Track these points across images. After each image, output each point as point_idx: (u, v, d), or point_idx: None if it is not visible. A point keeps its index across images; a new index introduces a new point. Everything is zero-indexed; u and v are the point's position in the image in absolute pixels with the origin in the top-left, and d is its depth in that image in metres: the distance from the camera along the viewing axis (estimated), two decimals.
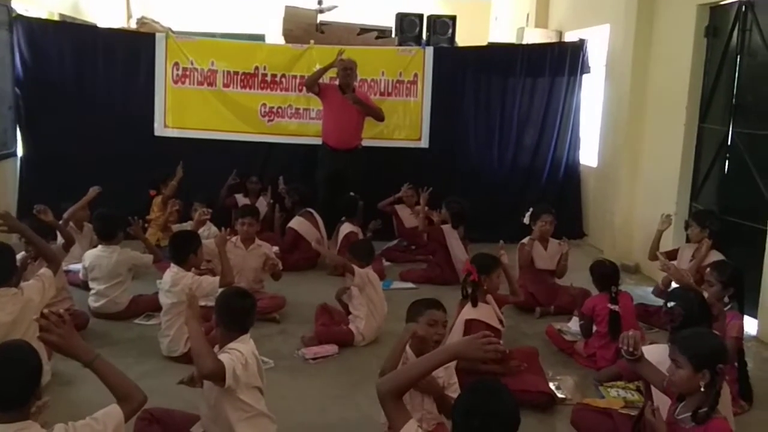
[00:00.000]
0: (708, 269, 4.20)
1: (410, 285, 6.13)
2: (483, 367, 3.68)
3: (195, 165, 7.02)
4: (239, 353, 2.93)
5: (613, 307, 4.42)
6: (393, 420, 2.34)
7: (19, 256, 4.13)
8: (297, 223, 6.65)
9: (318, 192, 7.15)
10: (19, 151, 7.38)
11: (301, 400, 3.86)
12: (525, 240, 5.58)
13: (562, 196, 7.95)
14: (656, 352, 3.10)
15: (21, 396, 2.21)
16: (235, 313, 3.08)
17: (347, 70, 7.01)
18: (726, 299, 3.93)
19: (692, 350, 2.66)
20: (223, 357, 2.86)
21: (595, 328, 4.53)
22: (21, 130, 7.33)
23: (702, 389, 2.64)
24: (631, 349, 2.87)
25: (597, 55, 7.92)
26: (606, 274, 4.60)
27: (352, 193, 6.83)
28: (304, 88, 7.31)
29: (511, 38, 9.99)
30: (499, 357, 2.38)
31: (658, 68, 6.69)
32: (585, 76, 7.97)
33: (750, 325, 5.01)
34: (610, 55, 7.54)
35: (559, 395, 3.95)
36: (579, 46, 7.92)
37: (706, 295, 3.73)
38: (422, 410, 3.10)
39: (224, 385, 2.84)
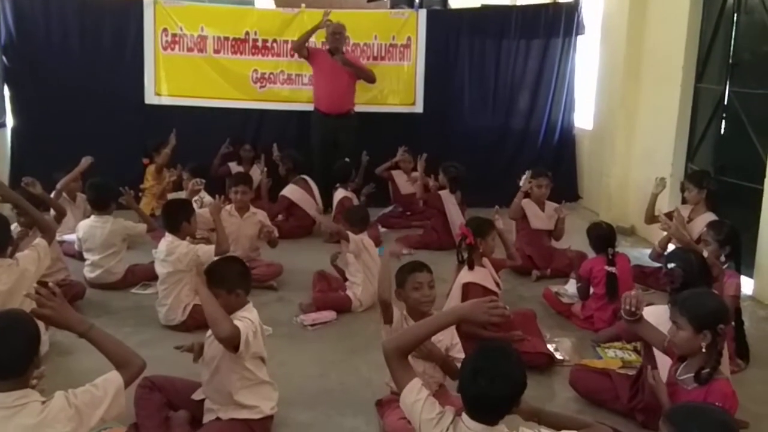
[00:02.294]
0: (705, 229, 4.20)
1: (405, 251, 6.10)
2: (484, 333, 3.69)
3: (187, 133, 6.96)
4: (250, 321, 2.93)
5: (610, 268, 4.43)
6: (398, 379, 2.36)
7: (13, 227, 4.09)
8: (290, 190, 6.62)
9: (312, 158, 7.10)
10: (9, 122, 7.28)
11: (300, 366, 3.87)
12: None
13: (558, 159, 7.93)
14: (655, 313, 3.11)
15: (20, 364, 2.20)
16: (234, 273, 3.07)
17: (336, 34, 6.93)
18: (723, 258, 3.94)
19: (693, 311, 2.67)
20: (238, 323, 2.85)
21: (592, 290, 4.55)
22: (10, 101, 7.23)
23: (703, 350, 2.65)
24: (632, 309, 2.87)
25: (592, 16, 7.81)
26: (602, 236, 4.60)
27: (347, 159, 6.80)
28: (295, 53, 7.23)
29: (504, 0, 9.86)
30: (504, 321, 2.38)
31: (654, 28, 6.61)
32: (580, 38, 7.89)
33: (746, 285, 5.03)
34: (606, 15, 7.44)
35: (558, 356, 3.98)
36: (574, 6, 7.82)
37: (705, 255, 3.73)
38: (423, 372, 3.11)
39: (237, 351, 2.84)
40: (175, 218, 4.40)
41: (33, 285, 3.36)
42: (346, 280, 4.89)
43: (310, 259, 5.53)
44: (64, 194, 5.70)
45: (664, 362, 2.95)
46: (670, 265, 3.37)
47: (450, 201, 6.22)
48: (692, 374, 2.67)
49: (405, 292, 3.16)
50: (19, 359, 2.19)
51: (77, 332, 2.34)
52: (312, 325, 4.46)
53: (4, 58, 7.12)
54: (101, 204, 5.11)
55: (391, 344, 2.39)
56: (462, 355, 3.16)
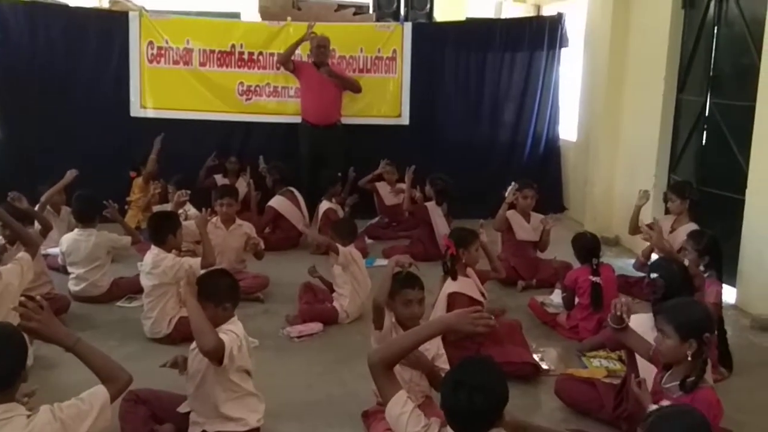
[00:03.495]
0: (685, 239, 4.25)
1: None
2: (469, 343, 3.71)
3: (173, 145, 6.92)
4: (235, 335, 2.94)
5: (594, 278, 4.46)
6: (383, 390, 2.37)
7: None
8: (277, 202, 6.63)
9: (300, 170, 7.12)
10: None
11: (287, 378, 3.87)
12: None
13: (543, 170, 7.97)
14: (638, 322, 3.14)
15: (6, 377, 2.18)
16: (224, 287, 3.08)
17: (321, 47, 6.99)
18: (702, 267, 3.98)
19: (678, 320, 2.69)
20: (223, 337, 2.86)
21: (577, 300, 4.58)
22: None
23: (689, 358, 2.67)
24: (622, 315, 2.88)
25: (575, 29, 7.91)
26: (587, 246, 4.64)
27: (339, 173, 6.84)
28: (281, 66, 7.26)
29: (489, 13, 9.96)
30: (489, 331, 2.40)
31: (636, 40, 6.70)
32: (563, 50, 7.97)
33: (729, 294, 5.08)
34: (589, 28, 7.53)
35: (543, 366, 4.00)
36: (557, 20, 7.90)
37: (687, 264, 3.77)
38: (409, 380, 3.11)
39: (221, 364, 2.84)
40: (161, 231, 4.39)
41: (17, 299, 3.33)
42: (332, 291, 4.90)
43: (296, 271, 5.51)
44: (48, 207, 5.66)
45: (647, 371, 2.97)
46: (653, 275, 3.41)
47: (436, 213, 6.24)
48: (677, 382, 2.68)
49: (394, 304, 3.17)
50: (5, 373, 2.17)
51: (64, 346, 2.32)
52: (298, 337, 4.46)
53: None
54: (86, 217, 5.09)
55: (376, 356, 2.39)
56: (447, 366, 3.17)
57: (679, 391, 2.67)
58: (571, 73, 8.04)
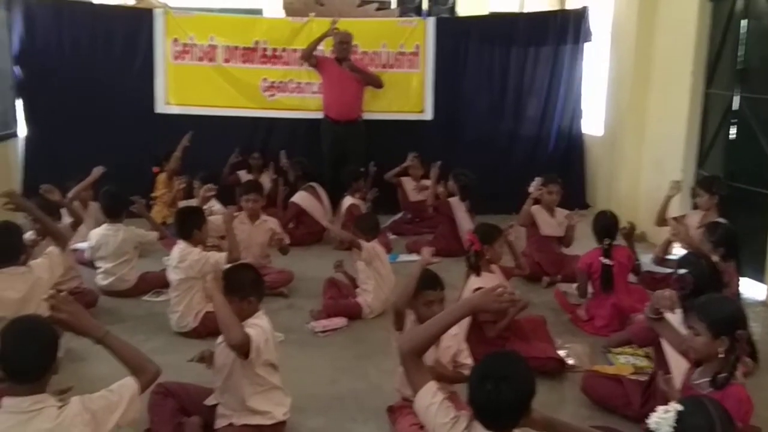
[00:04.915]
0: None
1: (416, 257, 6.11)
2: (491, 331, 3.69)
3: (196, 142, 6.97)
4: (261, 329, 2.96)
5: (605, 261, 4.43)
6: (413, 380, 2.37)
7: (26, 236, 4.13)
8: (300, 197, 6.65)
9: (323, 166, 7.14)
10: (22, 131, 7.35)
11: (311, 373, 3.88)
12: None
13: (566, 165, 7.88)
14: (668, 318, 3.10)
15: (38, 369, 2.21)
16: (248, 281, 3.11)
17: (343, 43, 7.01)
18: (717, 258, 3.92)
19: (710, 317, 2.65)
20: (249, 331, 2.88)
21: (591, 289, 4.55)
22: (23, 110, 7.30)
23: (721, 355, 2.63)
24: (663, 310, 2.85)
25: (600, 22, 7.82)
26: (602, 224, 4.64)
27: (362, 169, 6.84)
28: (304, 62, 7.28)
29: (512, 6, 9.89)
30: (514, 306, 2.40)
31: (662, 34, 6.61)
32: (587, 44, 7.89)
33: (758, 291, 5.02)
34: (615, 22, 7.44)
35: (569, 362, 3.97)
36: (581, 14, 7.82)
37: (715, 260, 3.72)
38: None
39: (247, 357, 2.87)
40: (187, 225, 4.43)
41: (47, 292, 3.37)
42: (356, 287, 4.91)
43: (320, 266, 5.54)
44: (75, 202, 5.73)
45: (677, 366, 2.94)
46: (681, 271, 3.36)
47: (459, 208, 6.22)
48: (708, 379, 2.65)
49: (416, 304, 3.16)
50: (35, 364, 2.21)
51: (94, 338, 2.35)
52: (323, 332, 4.48)
53: (17, 69, 7.18)
54: (114, 212, 5.16)
55: (406, 344, 2.40)
56: (469, 361, 3.17)
57: (710, 387, 2.64)
58: (596, 68, 7.96)
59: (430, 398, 2.31)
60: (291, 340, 4.30)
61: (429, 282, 3.17)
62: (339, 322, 4.59)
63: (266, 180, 7.08)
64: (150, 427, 3.06)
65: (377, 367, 3.91)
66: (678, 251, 4.66)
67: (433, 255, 3.19)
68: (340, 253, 5.67)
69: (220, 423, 3.07)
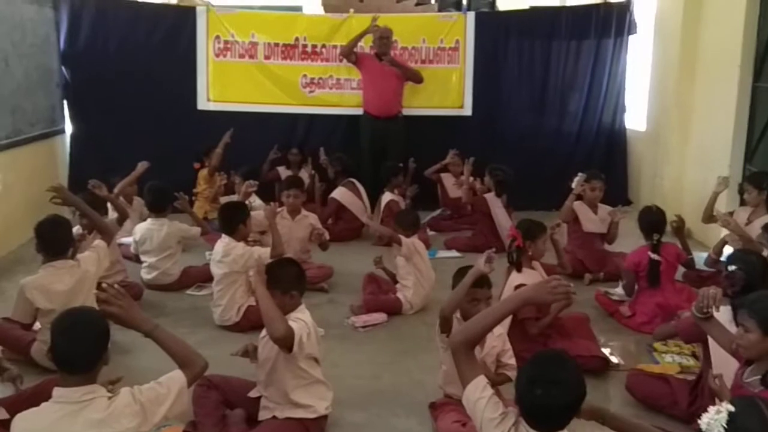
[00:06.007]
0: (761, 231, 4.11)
1: (455, 254, 6.12)
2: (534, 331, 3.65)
3: (237, 138, 7.05)
4: (303, 323, 2.98)
5: (653, 256, 4.35)
6: (463, 373, 2.36)
7: (74, 229, 4.22)
8: (340, 193, 6.67)
9: (361, 162, 7.15)
10: (68, 128, 7.52)
11: (352, 368, 3.89)
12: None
13: (609, 161, 7.77)
14: (716, 315, 3.03)
15: (89, 360, 2.24)
16: (291, 275, 3.12)
17: (383, 38, 7.03)
18: None
19: (762, 314, 2.58)
20: (292, 324, 2.91)
21: (637, 287, 4.48)
22: (69, 108, 7.46)
23: None
24: (708, 309, 2.79)
25: (644, 15, 7.67)
26: (649, 220, 4.56)
27: (401, 165, 6.84)
28: (344, 58, 7.30)
29: (552, 0, 9.76)
30: (568, 299, 2.38)
31: (709, 26, 6.46)
32: (631, 38, 7.75)
33: None
34: (659, 14, 7.30)
35: (613, 360, 3.91)
36: (625, 6, 7.68)
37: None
38: None
39: (290, 351, 2.89)
40: (232, 220, 4.48)
41: (94, 285, 3.45)
42: (396, 282, 4.91)
43: (359, 261, 5.56)
44: (120, 198, 5.84)
45: (723, 365, 2.87)
46: (731, 268, 3.28)
47: (496, 204, 6.18)
48: (759, 377, 2.59)
49: (462, 301, 3.14)
50: (87, 355, 2.23)
51: (143, 331, 2.37)
52: (363, 327, 4.49)
53: (63, 68, 7.34)
54: (159, 207, 5.25)
55: (459, 336, 2.41)
56: (513, 362, 3.16)
57: (761, 386, 2.58)
58: (639, 61, 7.81)
59: (479, 392, 2.30)
60: (331, 335, 4.31)
61: (477, 280, 3.15)
62: (379, 317, 4.59)
63: (304, 176, 7.12)
64: (195, 419, 3.10)
65: (418, 362, 3.91)
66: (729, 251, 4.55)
67: (488, 261, 3.11)
68: (379, 249, 5.69)
69: (263, 415, 3.09)
